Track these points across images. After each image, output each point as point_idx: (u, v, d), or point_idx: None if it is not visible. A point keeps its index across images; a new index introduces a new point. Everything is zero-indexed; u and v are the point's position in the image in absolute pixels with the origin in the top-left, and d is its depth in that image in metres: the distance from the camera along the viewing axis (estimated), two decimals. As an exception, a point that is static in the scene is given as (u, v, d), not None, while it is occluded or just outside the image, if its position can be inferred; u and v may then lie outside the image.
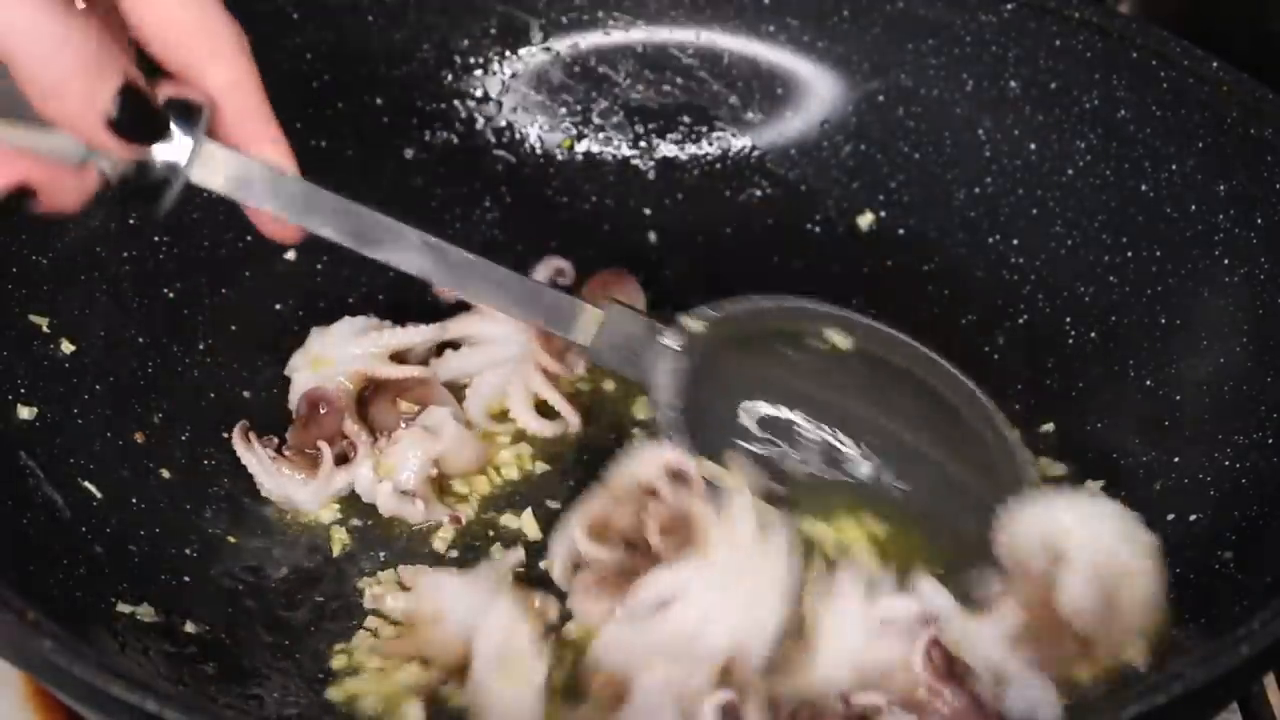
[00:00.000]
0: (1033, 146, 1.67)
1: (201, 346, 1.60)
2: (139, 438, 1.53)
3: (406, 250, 1.38)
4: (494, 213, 1.74)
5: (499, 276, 1.41)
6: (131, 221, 1.59)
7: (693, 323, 1.49)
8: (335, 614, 1.45)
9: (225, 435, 1.57)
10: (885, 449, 1.47)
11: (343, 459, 1.53)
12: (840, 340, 1.50)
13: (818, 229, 1.73)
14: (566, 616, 1.41)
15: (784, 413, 1.46)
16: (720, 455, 1.43)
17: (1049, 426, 1.58)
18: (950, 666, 1.30)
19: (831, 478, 1.45)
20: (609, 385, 1.62)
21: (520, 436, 1.58)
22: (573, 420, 1.57)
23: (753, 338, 1.50)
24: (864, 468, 1.46)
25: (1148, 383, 1.56)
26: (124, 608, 1.40)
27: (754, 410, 1.47)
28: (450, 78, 1.73)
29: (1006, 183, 1.68)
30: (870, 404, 1.49)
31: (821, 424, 1.46)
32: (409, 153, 1.72)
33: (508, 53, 1.74)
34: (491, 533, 1.51)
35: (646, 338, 1.47)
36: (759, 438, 1.46)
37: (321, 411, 1.55)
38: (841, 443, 1.46)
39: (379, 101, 1.71)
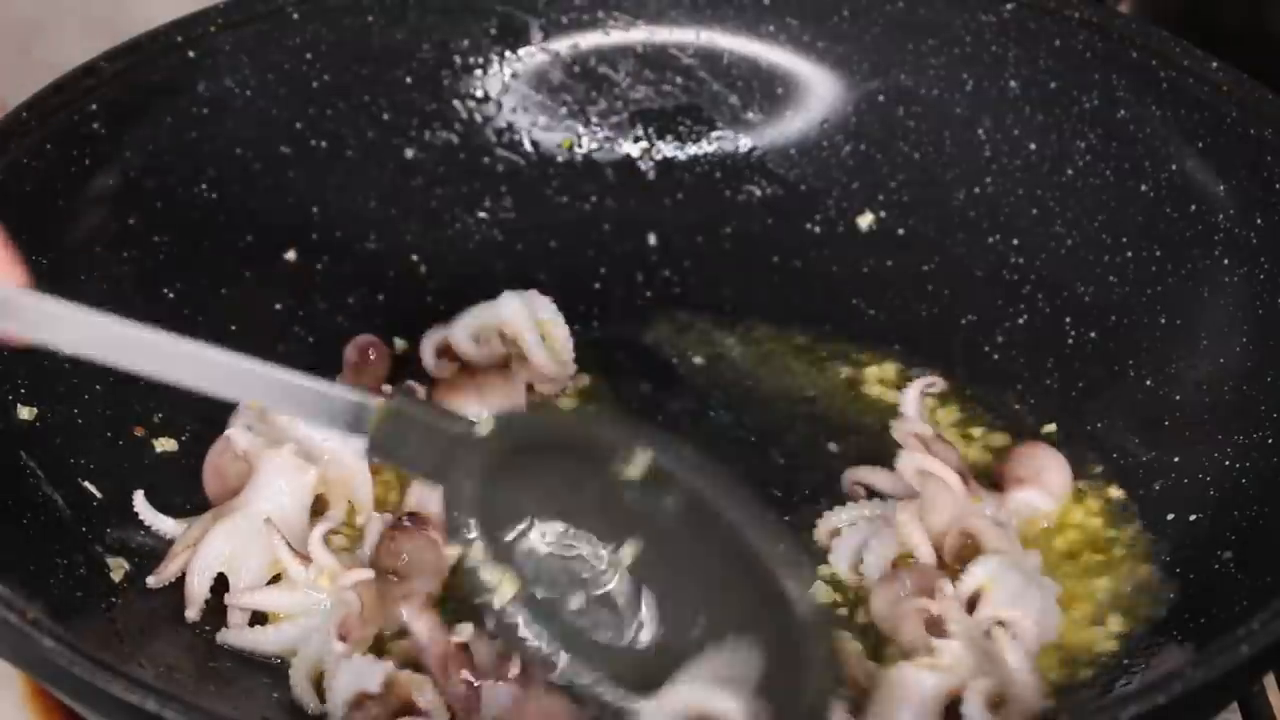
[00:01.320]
0: (1033, 146, 1.67)
1: (201, 346, 1.60)
2: (139, 431, 1.53)
3: (169, 360, 1.29)
4: (494, 213, 1.74)
5: (274, 379, 1.29)
6: (131, 222, 1.59)
7: (485, 424, 1.31)
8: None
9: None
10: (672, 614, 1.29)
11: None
12: (633, 470, 1.29)
13: (818, 229, 1.73)
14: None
15: (570, 544, 1.31)
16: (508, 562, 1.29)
17: (1051, 427, 1.58)
18: None
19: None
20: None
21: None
22: None
23: (546, 450, 1.33)
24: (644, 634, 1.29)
25: (1148, 383, 1.56)
26: (124, 607, 1.40)
27: (542, 532, 1.31)
28: (450, 78, 1.73)
29: (1006, 183, 1.68)
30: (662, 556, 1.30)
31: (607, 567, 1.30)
32: (409, 153, 1.72)
33: (508, 53, 1.74)
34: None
35: (438, 432, 1.30)
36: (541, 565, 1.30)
37: (371, 357, 1.55)
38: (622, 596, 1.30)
39: (379, 101, 1.71)
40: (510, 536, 1.30)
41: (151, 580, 1.45)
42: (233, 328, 1.61)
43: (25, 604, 1.25)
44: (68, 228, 1.55)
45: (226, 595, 1.43)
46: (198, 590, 1.44)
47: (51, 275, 1.52)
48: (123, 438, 1.52)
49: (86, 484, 1.47)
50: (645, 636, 1.29)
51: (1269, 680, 1.45)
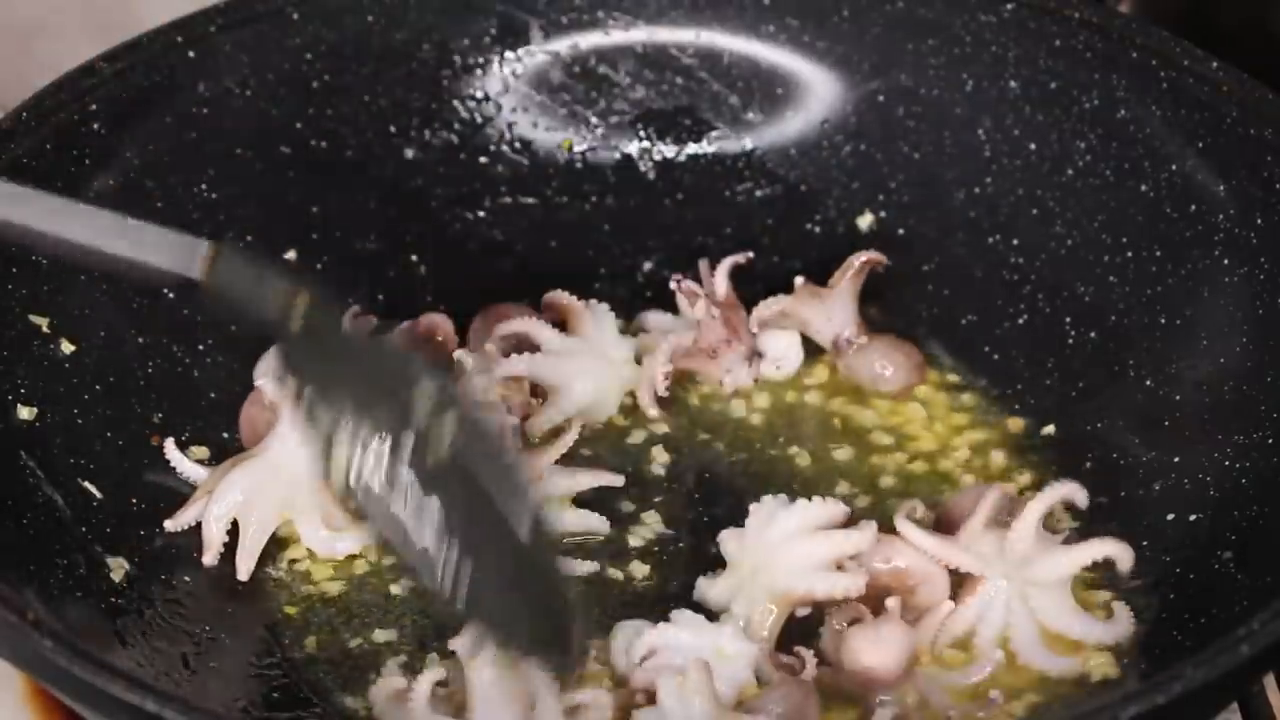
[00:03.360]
0: (1033, 146, 1.67)
1: (201, 347, 1.60)
2: (154, 440, 1.53)
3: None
4: (494, 213, 1.74)
5: (96, 218, 1.31)
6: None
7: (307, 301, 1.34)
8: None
9: (225, 435, 1.57)
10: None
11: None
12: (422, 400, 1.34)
13: (818, 229, 1.73)
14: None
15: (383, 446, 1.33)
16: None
17: (1050, 429, 1.58)
18: None
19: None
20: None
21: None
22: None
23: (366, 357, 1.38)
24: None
25: (1148, 383, 1.56)
26: (124, 607, 1.40)
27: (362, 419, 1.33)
28: (450, 78, 1.73)
29: (1006, 183, 1.68)
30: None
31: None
32: (409, 153, 1.72)
33: (508, 53, 1.74)
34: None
35: (265, 284, 1.32)
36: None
37: (439, 338, 1.58)
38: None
39: (379, 101, 1.71)
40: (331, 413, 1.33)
41: (169, 524, 1.48)
42: (232, 328, 1.61)
43: (25, 604, 1.25)
44: (68, 228, 1.55)
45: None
46: (214, 535, 1.47)
47: (51, 275, 1.52)
48: (123, 438, 1.52)
49: (86, 484, 1.47)
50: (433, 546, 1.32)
51: (1269, 680, 1.45)
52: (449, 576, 1.30)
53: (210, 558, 1.47)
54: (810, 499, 1.44)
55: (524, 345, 1.60)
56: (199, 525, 1.48)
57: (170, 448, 1.52)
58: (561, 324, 1.63)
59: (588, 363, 1.60)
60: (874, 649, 1.37)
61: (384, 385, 1.34)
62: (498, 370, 1.58)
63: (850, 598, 1.40)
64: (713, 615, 1.43)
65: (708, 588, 1.45)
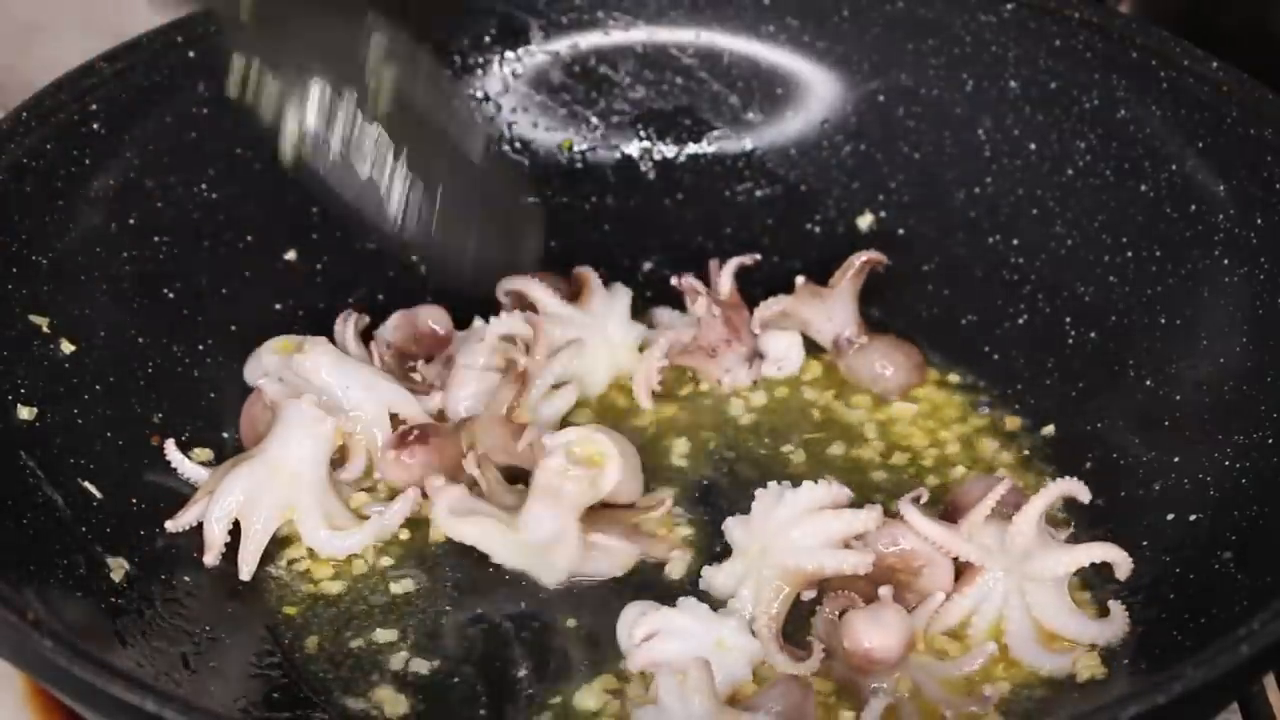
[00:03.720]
0: (1033, 146, 1.67)
1: (201, 347, 1.60)
2: (155, 441, 1.53)
3: None
4: (494, 213, 1.74)
5: None
6: (131, 222, 1.59)
7: None
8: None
9: (225, 435, 1.57)
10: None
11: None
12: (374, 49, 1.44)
13: (818, 229, 1.73)
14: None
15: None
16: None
17: (1050, 429, 1.58)
18: None
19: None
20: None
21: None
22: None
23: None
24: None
25: (1148, 383, 1.56)
26: (124, 607, 1.40)
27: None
28: (450, 78, 1.73)
29: (1006, 183, 1.68)
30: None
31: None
32: (409, 153, 1.72)
33: (508, 53, 1.74)
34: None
35: None
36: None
37: (436, 329, 1.61)
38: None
39: (379, 101, 1.71)
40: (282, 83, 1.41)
41: (170, 525, 1.48)
42: (232, 328, 1.62)
43: (25, 604, 1.25)
44: (68, 228, 1.55)
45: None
46: (216, 535, 1.47)
47: (51, 275, 1.52)
48: (123, 438, 1.52)
49: (86, 484, 1.47)
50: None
51: (1269, 680, 1.45)
52: (399, 201, 1.40)
53: (212, 558, 1.47)
54: (823, 480, 1.45)
55: (527, 309, 1.62)
56: (200, 526, 1.48)
57: (171, 448, 1.52)
58: (575, 296, 1.64)
59: (582, 334, 1.61)
60: (876, 631, 1.37)
61: (333, 46, 1.41)
62: (491, 327, 1.59)
63: (859, 574, 1.41)
64: (717, 606, 1.43)
65: (713, 575, 1.45)
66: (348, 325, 1.61)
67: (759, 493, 1.46)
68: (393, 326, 1.63)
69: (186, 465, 1.52)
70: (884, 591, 1.40)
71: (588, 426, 1.53)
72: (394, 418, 1.56)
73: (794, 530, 1.42)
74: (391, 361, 1.61)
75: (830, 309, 1.64)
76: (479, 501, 1.49)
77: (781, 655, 1.39)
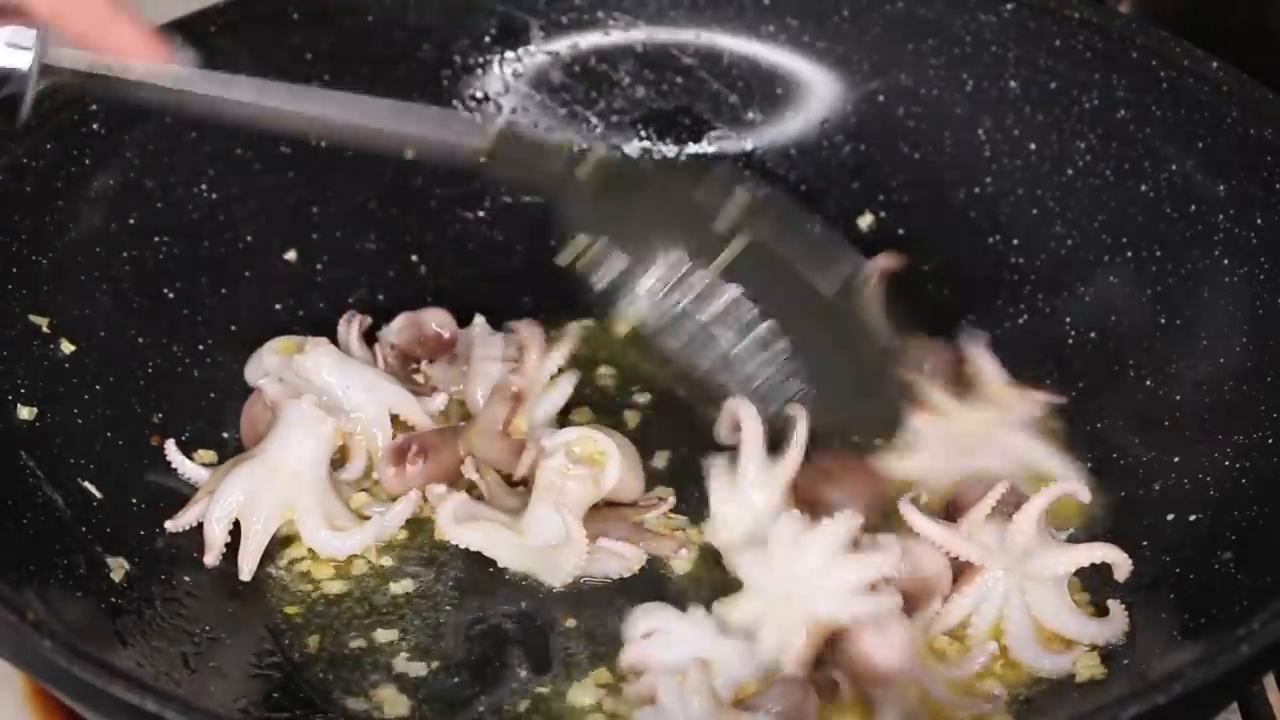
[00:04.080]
0: (1033, 146, 1.67)
1: (201, 347, 1.60)
2: (155, 440, 1.53)
3: (295, 100, 1.40)
4: (494, 213, 1.74)
5: (391, 106, 1.43)
6: (131, 222, 1.59)
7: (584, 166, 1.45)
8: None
9: (225, 435, 1.57)
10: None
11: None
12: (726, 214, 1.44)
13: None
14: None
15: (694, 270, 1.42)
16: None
17: (1057, 425, 1.58)
18: None
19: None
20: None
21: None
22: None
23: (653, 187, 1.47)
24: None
25: (1148, 383, 1.56)
26: (124, 607, 1.40)
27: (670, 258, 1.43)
28: (450, 78, 1.73)
29: (1006, 183, 1.68)
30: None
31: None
32: (409, 153, 1.72)
33: (508, 53, 1.74)
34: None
35: (550, 154, 1.46)
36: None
37: (440, 332, 1.61)
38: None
39: (379, 101, 1.71)
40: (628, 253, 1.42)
41: (170, 525, 1.48)
42: (232, 328, 1.62)
43: (25, 604, 1.25)
44: (68, 228, 1.55)
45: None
46: (216, 535, 1.47)
47: (51, 275, 1.52)
48: (123, 438, 1.52)
49: (86, 484, 1.47)
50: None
51: (1269, 680, 1.45)
52: (767, 363, 1.39)
53: (212, 558, 1.47)
54: (831, 516, 1.41)
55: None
56: (200, 526, 1.48)
57: (171, 449, 1.52)
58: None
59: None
60: (885, 650, 1.36)
61: (678, 215, 1.42)
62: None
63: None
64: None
65: (728, 613, 1.42)
66: (351, 326, 1.61)
67: (774, 528, 1.42)
68: (397, 328, 1.63)
69: (187, 465, 1.52)
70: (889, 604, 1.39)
71: (585, 426, 1.53)
72: (395, 419, 1.56)
73: (819, 580, 1.38)
74: (395, 363, 1.60)
75: None
76: (481, 506, 1.49)
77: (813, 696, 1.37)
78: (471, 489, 1.51)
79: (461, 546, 1.48)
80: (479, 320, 1.62)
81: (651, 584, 1.47)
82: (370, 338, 1.63)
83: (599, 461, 1.48)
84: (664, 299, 1.39)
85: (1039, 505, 1.42)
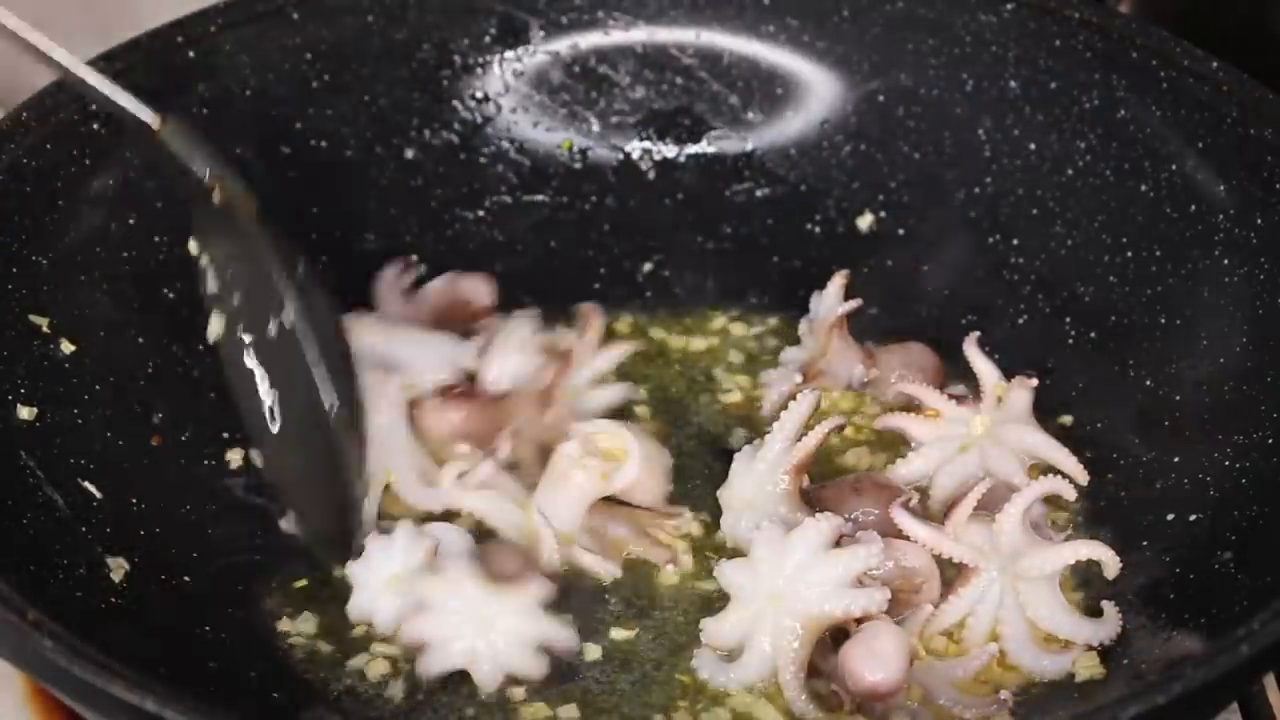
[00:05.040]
0: (1033, 146, 1.67)
1: (201, 347, 1.60)
2: (155, 440, 1.53)
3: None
4: (494, 213, 1.74)
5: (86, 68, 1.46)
6: (131, 222, 1.59)
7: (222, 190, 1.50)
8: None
9: (224, 435, 1.57)
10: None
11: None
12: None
13: (818, 229, 1.73)
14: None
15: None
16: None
17: (1067, 419, 1.58)
18: None
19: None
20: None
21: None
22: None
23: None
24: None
25: (1148, 383, 1.56)
26: (124, 607, 1.40)
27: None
28: (450, 78, 1.73)
29: (1006, 183, 1.68)
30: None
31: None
32: (409, 153, 1.72)
33: (508, 53, 1.74)
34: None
35: (195, 170, 1.49)
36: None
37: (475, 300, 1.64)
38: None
39: (379, 102, 1.71)
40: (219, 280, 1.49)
41: (284, 524, 1.53)
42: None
43: (25, 604, 1.25)
44: (68, 228, 1.55)
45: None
46: None
47: (51, 275, 1.52)
48: (123, 438, 1.52)
49: (86, 484, 1.47)
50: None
51: (1269, 680, 1.45)
52: (271, 435, 1.46)
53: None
54: (815, 516, 1.42)
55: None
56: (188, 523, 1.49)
57: (236, 457, 1.56)
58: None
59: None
60: (874, 666, 1.35)
61: (261, 268, 1.48)
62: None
63: (878, 611, 1.39)
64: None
65: (716, 627, 1.42)
66: (397, 280, 1.65)
67: (755, 536, 1.42)
68: (436, 289, 1.66)
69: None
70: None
71: (619, 423, 1.53)
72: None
73: (806, 576, 1.38)
74: (431, 320, 1.64)
75: (833, 366, 1.62)
76: (502, 476, 1.52)
77: (810, 706, 1.37)
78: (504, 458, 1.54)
79: (465, 511, 1.50)
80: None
81: (640, 589, 1.48)
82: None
83: (618, 458, 1.48)
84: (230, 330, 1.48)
85: (1021, 504, 1.42)
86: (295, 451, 1.47)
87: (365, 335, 1.58)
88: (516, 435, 1.55)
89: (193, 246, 1.54)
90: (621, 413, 1.60)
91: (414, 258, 1.68)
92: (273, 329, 1.46)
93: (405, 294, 1.66)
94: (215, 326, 1.48)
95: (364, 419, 1.50)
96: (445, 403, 1.55)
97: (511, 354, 1.59)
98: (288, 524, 1.51)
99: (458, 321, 1.64)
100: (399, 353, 1.58)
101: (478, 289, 1.66)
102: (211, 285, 1.48)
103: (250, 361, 1.47)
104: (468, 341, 1.61)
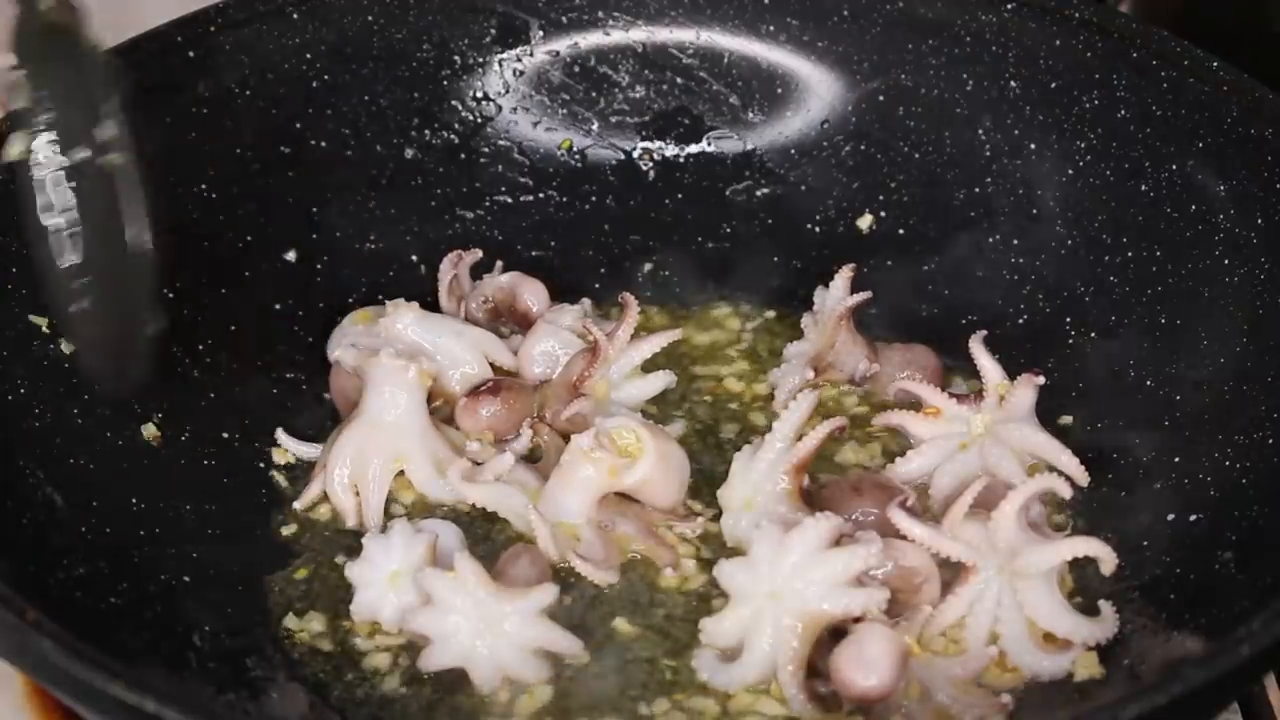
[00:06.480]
0: (1033, 146, 1.67)
1: (201, 347, 1.60)
2: (154, 440, 1.53)
3: None
4: (494, 213, 1.74)
5: None
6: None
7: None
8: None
9: (225, 435, 1.57)
10: None
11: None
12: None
13: (818, 229, 1.73)
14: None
15: None
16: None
17: (1067, 419, 1.58)
18: None
19: None
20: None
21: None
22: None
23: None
24: None
25: (1148, 383, 1.56)
26: (125, 608, 1.40)
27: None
28: (450, 78, 1.73)
29: (1006, 183, 1.68)
30: None
31: None
32: (409, 153, 1.72)
33: (508, 53, 1.74)
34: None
35: None
36: None
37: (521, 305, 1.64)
38: None
39: (379, 102, 1.71)
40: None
41: (298, 504, 1.54)
42: (232, 328, 1.62)
43: (25, 604, 1.25)
44: (67, 228, 1.55)
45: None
46: (343, 502, 1.54)
47: (51, 275, 1.52)
48: (123, 438, 1.52)
49: (86, 484, 1.47)
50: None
51: (1269, 680, 1.45)
52: (66, 255, 1.39)
53: (352, 521, 1.53)
54: (815, 516, 1.41)
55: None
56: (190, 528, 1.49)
57: (282, 435, 1.58)
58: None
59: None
60: (864, 671, 1.35)
61: (80, 91, 1.42)
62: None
63: (878, 611, 1.39)
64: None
65: (716, 626, 1.41)
66: (458, 268, 1.66)
67: (755, 535, 1.42)
68: (498, 285, 1.66)
69: (296, 445, 1.58)
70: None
71: (643, 421, 1.52)
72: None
73: (806, 574, 1.38)
74: (482, 317, 1.65)
75: (841, 358, 1.62)
76: (520, 467, 1.52)
77: (810, 705, 1.37)
78: (534, 450, 1.56)
79: (471, 501, 1.51)
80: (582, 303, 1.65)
81: (639, 591, 1.48)
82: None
83: (633, 455, 1.48)
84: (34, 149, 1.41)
85: (1017, 501, 1.41)
86: (89, 281, 1.40)
87: (401, 318, 1.59)
88: (542, 426, 1.55)
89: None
90: (660, 401, 1.60)
91: (462, 255, 1.68)
92: (85, 151, 1.40)
93: (458, 283, 1.66)
94: (17, 145, 1.41)
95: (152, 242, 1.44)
96: (474, 400, 1.56)
97: (548, 338, 1.60)
98: (66, 346, 1.49)
99: (506, 321, 1.65)
100: (433, 341, 1.59)
101: (537, 295, 1.65)
102: (23, 100, 1.42)
103: (50, 183, 1.40)
104: (503, 340, 1.62)
